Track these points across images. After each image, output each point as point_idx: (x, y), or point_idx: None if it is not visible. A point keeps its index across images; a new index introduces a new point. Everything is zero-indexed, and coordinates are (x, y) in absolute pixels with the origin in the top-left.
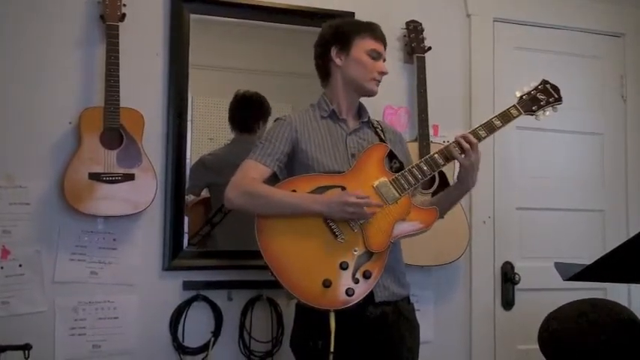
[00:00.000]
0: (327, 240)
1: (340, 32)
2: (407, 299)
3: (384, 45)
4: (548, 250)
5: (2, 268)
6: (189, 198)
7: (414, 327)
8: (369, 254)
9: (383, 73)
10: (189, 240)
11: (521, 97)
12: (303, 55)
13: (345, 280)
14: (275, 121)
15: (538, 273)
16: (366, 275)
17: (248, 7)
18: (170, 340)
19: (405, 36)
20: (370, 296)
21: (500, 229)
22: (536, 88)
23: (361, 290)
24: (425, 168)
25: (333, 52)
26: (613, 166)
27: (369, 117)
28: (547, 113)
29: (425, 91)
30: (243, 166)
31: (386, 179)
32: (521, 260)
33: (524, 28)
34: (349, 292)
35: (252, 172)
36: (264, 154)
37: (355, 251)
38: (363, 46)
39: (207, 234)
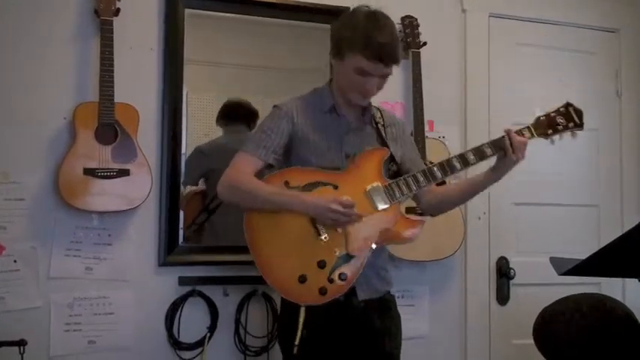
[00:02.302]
0: (310, 237)
1: (336, 42)
2: (387, 290)
3: (383, 62)
4: (543, 245)
5: None
6: (187, 190)
7: (395, 317)
8: (349, 257)
9: (367, 92)
10: (185, 230)
11: (538, 118)
12: (299, 50)
13: (320, 278)
14: (273, 107)
15: (533, 268)
16: (342, 277)
17: (243, 2)
18: (166, 335)
19: (400, 31)
20: (353, 292)
21: (496, 224)
22: (557, 110)
23: (334, 291)
24: (421, 179)
25: (331, 55)
26: (608, 162)
27: (371, 116)
28: (563, 138)
29: (420, 86)
30: (236, 159)
31: (379, 184)
32: (517, 255)
33: (520, 24)
34: (322, 291)
35: (245, 166)
36: (259, 146)
37: (335, 252)
38: (352, 62)
39: (204, 223)
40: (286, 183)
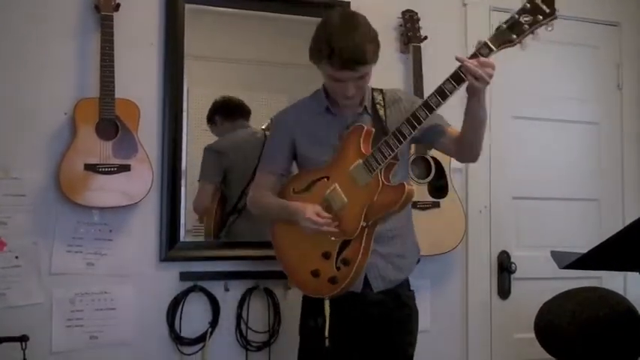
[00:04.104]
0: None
1: (312, 55)
2: (407, 285)
3: (349, 69)
4: (544, 239)
5: None
6: (210, 189)
7: (413, 313)
8: (347, 241)
9: (346, 97)
10: (217, 234)
11: (498, 27)
12: (299, 45)
13: (329, 269)
14: (273, 118)
15: (534, 262)
16: (346, 263)
17: None
18: (167, 330)
19: (400, 25)
20: (368, 285)
21: (497, 218)
22: (521, 9)
23: (343, 277)
24: (392, 142)
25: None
26: (609, 155)
27: (365, 105)
28: (538, 34)
29: (421, 80)
30: (255, 179)
31: (360, 161)
32: (518, 249)
33: None
34: (332, 281)
35: (262, 184)
36: (269, 161)
37: (333, 240)
38: (323, 70)
39: (234, 222)
40: (293, 190)
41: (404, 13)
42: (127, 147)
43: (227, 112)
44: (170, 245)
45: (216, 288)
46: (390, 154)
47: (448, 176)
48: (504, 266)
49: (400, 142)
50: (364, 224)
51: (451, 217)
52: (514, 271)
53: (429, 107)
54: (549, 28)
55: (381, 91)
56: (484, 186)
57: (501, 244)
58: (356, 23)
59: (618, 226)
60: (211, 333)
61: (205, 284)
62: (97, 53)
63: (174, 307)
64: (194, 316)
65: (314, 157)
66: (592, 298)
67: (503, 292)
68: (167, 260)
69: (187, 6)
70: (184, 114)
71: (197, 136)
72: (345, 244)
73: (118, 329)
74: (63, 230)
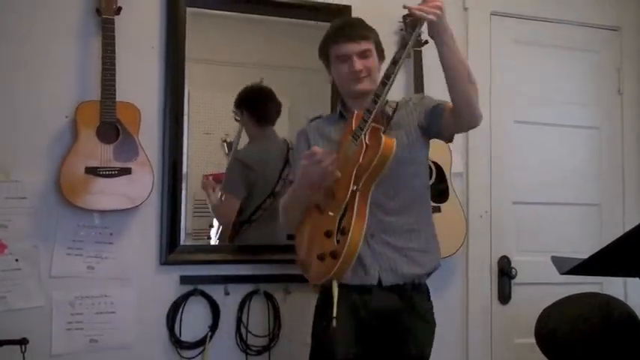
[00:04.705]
0: (317, 217)
1: (320, 50)
2: (426, 296)
3: (351, 40)
4: (544, 244)
5: None
6: (236, 204)
7: (427, 323)
8: (343, 212)
9: (354, 72)
10: (231, 240)
11: None
12: (300, 48)
13: (330, 245)
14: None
15: (535, 267)
16: (343, 232)
17: (244, 1)
18: (167, 334)
19: (401, 30)
20: (379, 281)
21: (497, 223)
22: None
23: (341, 248)
24: (370, 106)
25: (325, 67)
26: (609, 160)
27: (375, 107)
28: None
29: (422, 85)
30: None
31: (350, 137)
32: (518, 254)
33: (521, 22)
34: (333, 255)
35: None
36: (293, 170)
37: (331, 215)
38: (332, 55)
39: (244, 230)
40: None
41: (405, 17)
42: (127, 150)
43: (257, 114)
44: (170, 249)
45: (216, 292)
46: (369, 117)
47: (449, 181)
48: (505, 271)
49: (376, 103)
50: (354, 188)
51: (452, 222)
52: (514, 276)
53: (395, 61)
54: None
55: (395, 102)
56: (485, 191)
57: (502, 249)
58: (357, 20)
59: (619, 232)
60: (211, 337)
61: (205, 288)
62: (98, 56)
63: (175, 310)
64: (194, 320)
65: None
66: (592, 304)
67: (504, 297)
68: (167, 264)
69: (188, 9)
70: (185, 117)
71: (198, 140)
72: (343, 218)
73: (118, 332)
74: (63, 233)
